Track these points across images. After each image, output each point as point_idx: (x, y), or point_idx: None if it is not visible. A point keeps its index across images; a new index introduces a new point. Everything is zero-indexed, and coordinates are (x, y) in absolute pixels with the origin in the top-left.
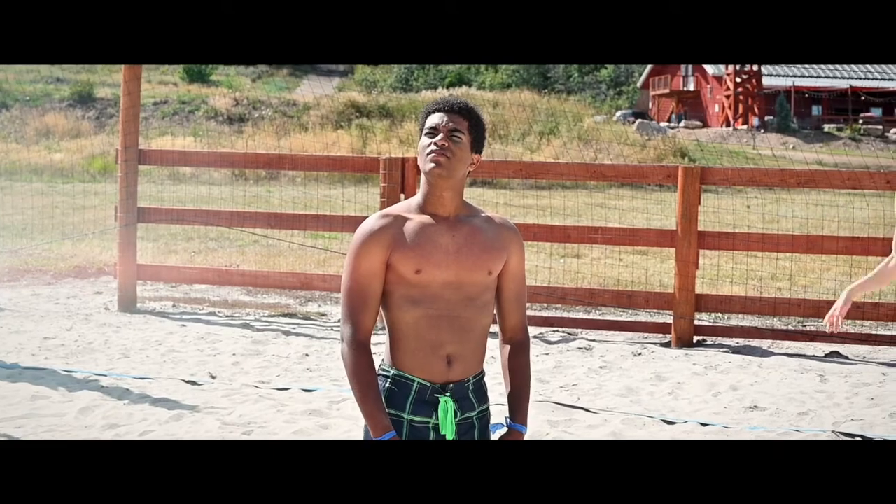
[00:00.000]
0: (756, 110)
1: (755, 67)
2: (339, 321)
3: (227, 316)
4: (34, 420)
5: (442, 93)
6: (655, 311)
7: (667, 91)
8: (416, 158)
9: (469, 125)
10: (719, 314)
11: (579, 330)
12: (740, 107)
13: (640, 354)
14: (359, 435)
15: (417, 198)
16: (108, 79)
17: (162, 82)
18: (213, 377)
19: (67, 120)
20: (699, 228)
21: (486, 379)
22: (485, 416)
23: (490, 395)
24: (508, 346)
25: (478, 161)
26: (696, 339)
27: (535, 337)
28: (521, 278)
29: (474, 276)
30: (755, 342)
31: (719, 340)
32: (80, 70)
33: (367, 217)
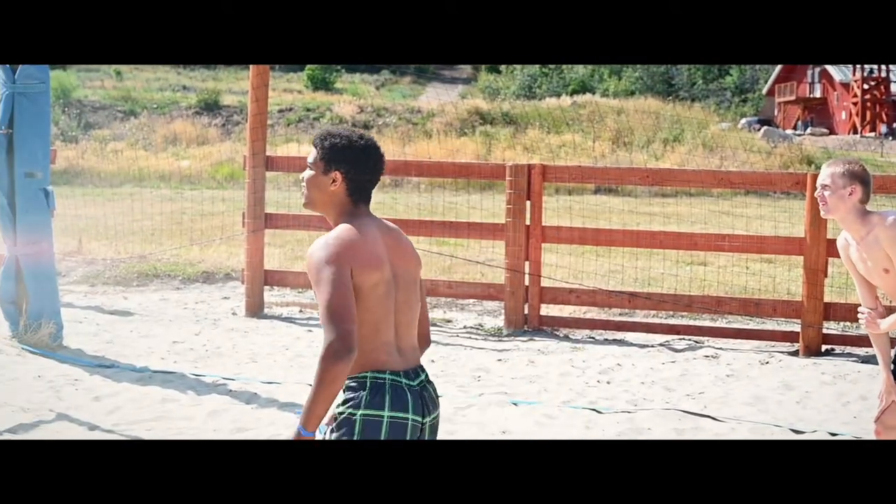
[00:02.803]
0: (884, 117)
1: (883, 74)
2: (463, 328)
3: None
4: (164, 423)
5: (565, 100)
6: (783, 319)
7: (793, 98)
8: (542, 165)
9: (317, 153)
10: (848, 323)
11: (706, 338)
12: (868, 114)
13: (767, 363)
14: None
15: None
16: (234, 86)
17: (287, 90)
18: None
19: (194, 127)
20: (828, 236)
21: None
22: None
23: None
24: None
25: (339, 177)
26: (824, 347)
27: (660, 345)
28: None
29: None
30: None
31: (848, 349)
32: (206, 78)
33: (493, 223)
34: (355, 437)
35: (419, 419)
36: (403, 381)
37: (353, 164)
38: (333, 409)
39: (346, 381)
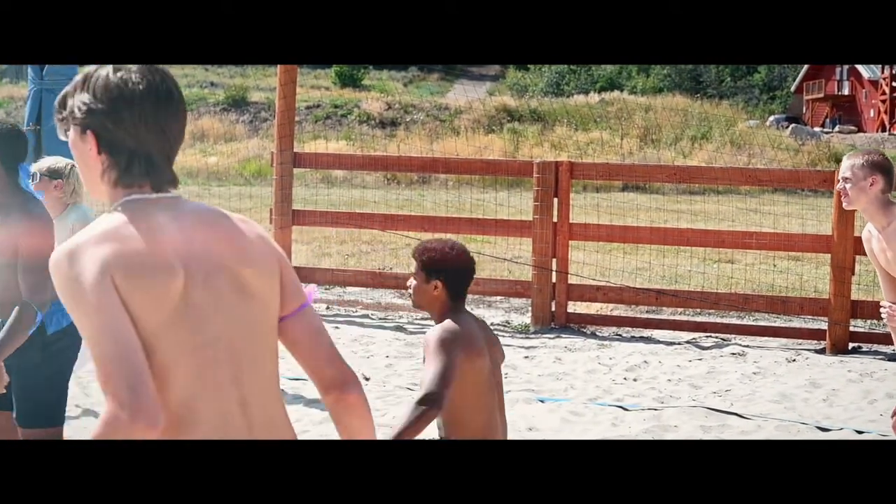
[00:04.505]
0: None
1: None
2: (490, 325)
3: (380, 318)
4: None
5: (593, 97)
6: (810, 317)
7: (821, 95)
8: (570, 162)
9: (418, 265)
10: (875, 321)
11: (732, 335)
12: None
13: (794, 361)
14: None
15: None
16: (262, 83)
17: (314, 86)
18: (367, 379)
19: (222, 124)
20: (855, 234)
21: None
22: None
23: None
24: None
25: (440, 284)
26: (851, 345)
27: (687, 342)
28: None
29: None
30: None
31: (875, 347)
32: (233, 74)
33: (520, 220)
34: None
35: None
36: None
37: (449, 272)
38: None
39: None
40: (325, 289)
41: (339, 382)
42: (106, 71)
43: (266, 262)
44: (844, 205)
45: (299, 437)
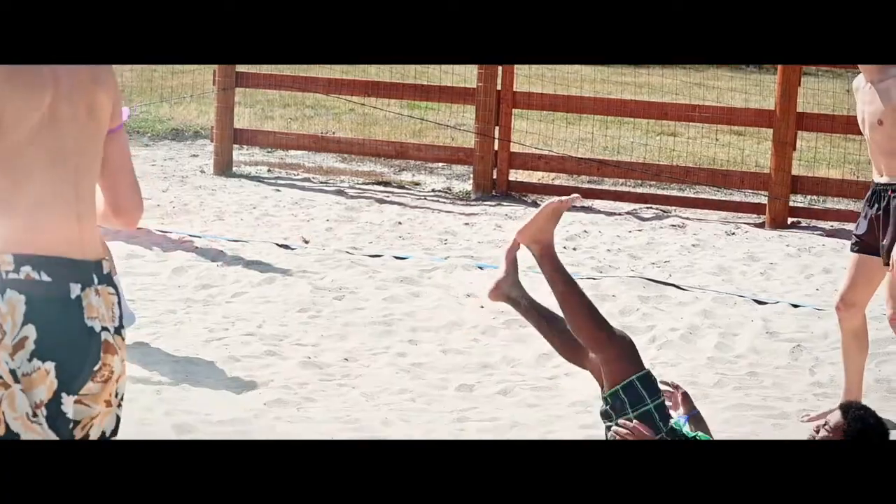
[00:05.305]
0: None
1: None
2: (432, 191)
3: (321, 182)
4: (128, 278)
5: None
6: (750, 191)
7: None
8: None
9: None
10: (815, 197)
11: (673, 207)
12: None
13: (733, 234)
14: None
15: None
16: None
17: None
18: (306, 242)
19: None
20: (798, 110)
21: None
22: None
23: None
24: None
25: None
26: (790, 220)
27: (628, 213)
28: None
29: None
30: (850, 226)
31: (814, 223)
32: None
33: (464, 87)
34: None
35: None
36: None
37: None
38: None
39: None
40: (268, 151)
41: (132, 217)
42: None
43: (110, 82)
44: None
45: (236, 298)
